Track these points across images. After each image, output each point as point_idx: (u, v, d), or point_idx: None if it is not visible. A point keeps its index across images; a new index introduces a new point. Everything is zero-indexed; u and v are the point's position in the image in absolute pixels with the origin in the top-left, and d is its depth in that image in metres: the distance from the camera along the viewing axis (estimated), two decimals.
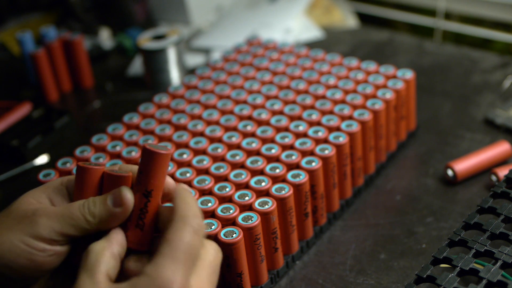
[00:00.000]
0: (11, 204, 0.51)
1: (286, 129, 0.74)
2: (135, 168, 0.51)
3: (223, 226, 0.61)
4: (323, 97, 0.78)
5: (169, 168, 0.69)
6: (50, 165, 0.89)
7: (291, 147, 0.71)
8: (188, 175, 0.68)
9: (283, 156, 0.69)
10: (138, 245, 0.49)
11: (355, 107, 0.76)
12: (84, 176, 0.51)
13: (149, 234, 0.50)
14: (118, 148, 0.74)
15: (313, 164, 0.68)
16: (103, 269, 0.46)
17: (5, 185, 0.87)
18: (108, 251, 0.47)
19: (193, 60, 1.10)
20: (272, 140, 0.72)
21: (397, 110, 0.80)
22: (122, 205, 0.49)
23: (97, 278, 0.46)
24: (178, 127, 0.76)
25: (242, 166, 0.69)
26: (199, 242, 0.47)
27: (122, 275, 0.49)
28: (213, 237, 0.60)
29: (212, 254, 0.49)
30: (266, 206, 0.63)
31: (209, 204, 0.63)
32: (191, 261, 0.46)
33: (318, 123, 0.74)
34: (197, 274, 0.47)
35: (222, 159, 0.70)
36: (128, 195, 0.49)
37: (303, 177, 0.66)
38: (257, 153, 0.70)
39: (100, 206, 0.49)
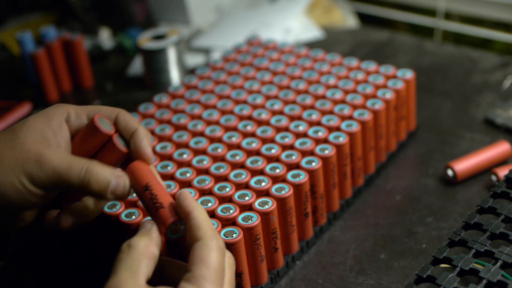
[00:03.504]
0: (21, 127, 0.55)
1: (286, 129, 0.74)
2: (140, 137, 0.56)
3: (223, 226, 0.61)
4: (323, 97, 0.78)
5: (169, 168, 0.69)
6: None
7: (291, 147, 0.71)
8: (188, 175, 0.68)
9: (283, 156, 0.69)
10: (168, 218, 0.51)
11: (355, 107, 0.76)
12: (92, 133, 0.55)
13: (171, 206, 0.52)
14: None
15: (313, 164, 0.68)
16: (145, 271, 0.48)
17: None
18: (150, 252, 0.50)
19: (193, 60, 1.10)
20: (272, 140, 0.72)
21: (397, 110, 0.80)
22: (118, 198, 0.54)
23: (140, 281, 0.48)
24: (178, 127, 0.76)
25: (242, 166, 0.69)
26: (223, 260, 0.51)
27: (156, 275, 0.51)
28: None
29: (233, 264, 0.53)
30: (266, 206, 0.63)
31: (209, 204, 0.63)
32: (222, 279, 0.50)
33: (318, 123, 0.74)
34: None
35: (222, 159, 0.70)
36: (126, 191, 0.54)
37: (303, 177, 0.66)
38: (257, 153, 0.70)
39: (100, 185, 0.53)
